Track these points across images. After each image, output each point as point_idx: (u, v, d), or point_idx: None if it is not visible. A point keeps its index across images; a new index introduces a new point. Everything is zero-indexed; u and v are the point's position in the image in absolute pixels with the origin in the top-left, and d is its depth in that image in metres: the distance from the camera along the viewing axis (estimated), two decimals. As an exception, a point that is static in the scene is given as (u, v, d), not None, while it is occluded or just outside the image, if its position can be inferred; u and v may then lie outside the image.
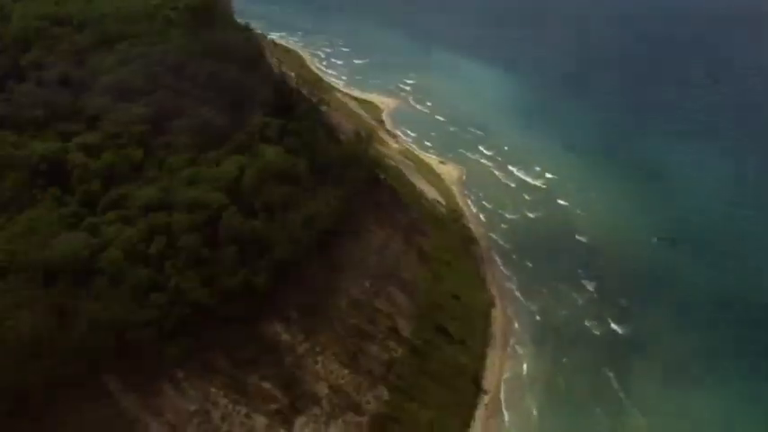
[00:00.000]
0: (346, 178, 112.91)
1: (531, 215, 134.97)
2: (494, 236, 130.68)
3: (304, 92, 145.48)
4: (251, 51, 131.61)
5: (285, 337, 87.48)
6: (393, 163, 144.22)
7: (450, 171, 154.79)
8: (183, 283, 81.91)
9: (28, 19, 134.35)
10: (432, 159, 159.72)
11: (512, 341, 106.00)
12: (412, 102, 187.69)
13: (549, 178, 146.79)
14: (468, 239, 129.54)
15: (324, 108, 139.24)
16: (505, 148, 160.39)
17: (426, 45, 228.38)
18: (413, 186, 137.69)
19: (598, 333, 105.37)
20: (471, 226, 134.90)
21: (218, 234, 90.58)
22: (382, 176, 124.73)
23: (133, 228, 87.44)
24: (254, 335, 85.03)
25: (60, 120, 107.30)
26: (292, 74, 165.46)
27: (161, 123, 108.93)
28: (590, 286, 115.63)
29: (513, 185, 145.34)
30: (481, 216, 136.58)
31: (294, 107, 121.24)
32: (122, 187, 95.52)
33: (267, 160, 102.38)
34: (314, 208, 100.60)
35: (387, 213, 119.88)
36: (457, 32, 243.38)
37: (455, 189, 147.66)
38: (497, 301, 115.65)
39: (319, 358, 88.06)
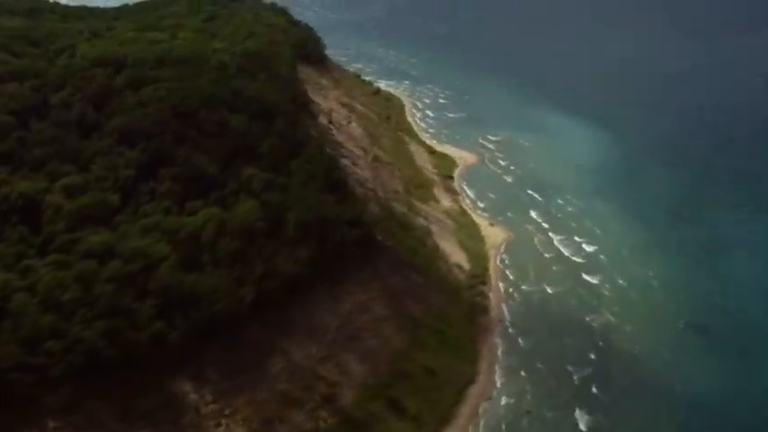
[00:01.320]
0: (332, 236, 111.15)
1: (549, 290, 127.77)
2: (504, 307, 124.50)
3: (352, 146, 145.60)
4: (276, 101, 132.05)
5: (192, 395, 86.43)
6: (423, 222, 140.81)
7: (495, 235, 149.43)
8: (83, 332, 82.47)
9: (87, 58, 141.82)
10: (482, 221, 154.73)
11: (470, 424, 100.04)
12: (487, 159, 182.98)
13: (588, 251, 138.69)
14: (481, 309, 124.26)
15: (349, 162, 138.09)
16: (559, 215, 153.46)
17: (532, 101, 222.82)
18: (435, 249, 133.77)
19: (557, 426, 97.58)
20: (491, 295, 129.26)
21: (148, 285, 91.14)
22: (380, 237, 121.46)
23: (63, 272, 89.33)
24: (155, 389, 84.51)
25: (59, 160, 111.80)
26: (353, 124, 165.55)
27: (152, 169, 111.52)
28: (576, 373, 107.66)
29: (546, 255, 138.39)
30: (500, 285, 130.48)
31: (296, 159, 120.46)
32: (84, 231, 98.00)
33: (227, 214, 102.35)
34: (266, 266, 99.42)
35: (378, 276, 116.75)
36: (569, 89, 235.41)
37: (492, 254, 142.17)
38: (480, 378, 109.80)
39: (224, 421, 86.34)
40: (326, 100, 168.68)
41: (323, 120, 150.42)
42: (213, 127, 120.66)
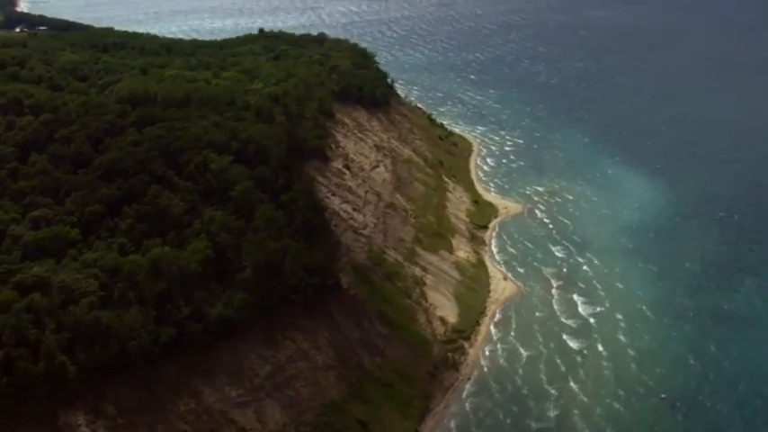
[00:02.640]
0: (283, 282, 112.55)
1: (523, 351, 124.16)
2: (475, 366, 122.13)
3: (363, 191, 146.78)
4: (271, 144, 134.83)
5: (84, 429, 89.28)
6: (419, 273, 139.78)
7: (504, 289, 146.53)
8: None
9: (118, 94, 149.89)
10: (498, 274, 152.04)
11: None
12: (528, 211, 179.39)
13: (582, 314, 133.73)
14: (451, 365, 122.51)
15: (350, 208, 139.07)
16: (572, 274, 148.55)
17: (604, 154, 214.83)
18: (420, 301, 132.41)
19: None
20: (471, 351, 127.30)
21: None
22: (347, 285, 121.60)
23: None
24: (45, 420, 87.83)
25: (41, 193, 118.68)
26: (380, 169, 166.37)
27: (119, 206, 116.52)
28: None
29: (538, 315, 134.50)
30: (484, 342, 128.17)
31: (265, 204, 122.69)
32: (34, 263, 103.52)
33: (172, 254, 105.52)
34: (192, 307, 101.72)
35: (331, 325, 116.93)
36: (650, 144, 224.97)
37: (492, 309, 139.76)
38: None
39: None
40: (359, 143, 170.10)
41: (338, 164, 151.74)
42: (194, 168, 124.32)
